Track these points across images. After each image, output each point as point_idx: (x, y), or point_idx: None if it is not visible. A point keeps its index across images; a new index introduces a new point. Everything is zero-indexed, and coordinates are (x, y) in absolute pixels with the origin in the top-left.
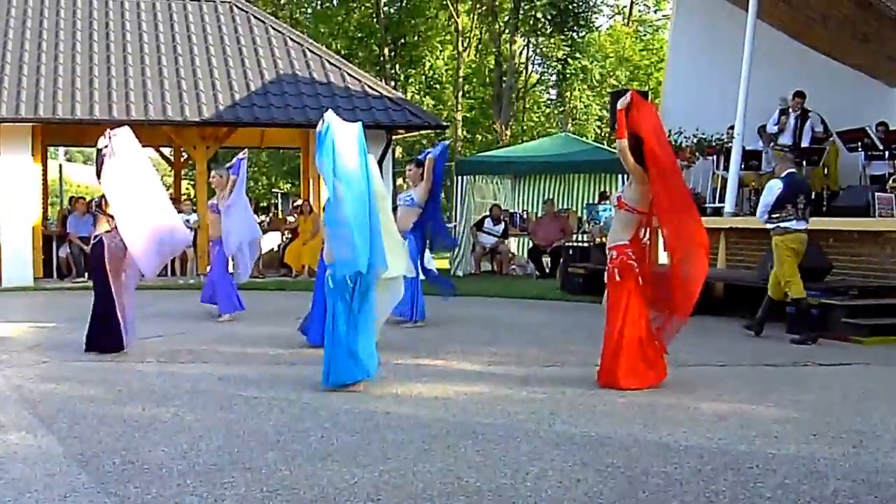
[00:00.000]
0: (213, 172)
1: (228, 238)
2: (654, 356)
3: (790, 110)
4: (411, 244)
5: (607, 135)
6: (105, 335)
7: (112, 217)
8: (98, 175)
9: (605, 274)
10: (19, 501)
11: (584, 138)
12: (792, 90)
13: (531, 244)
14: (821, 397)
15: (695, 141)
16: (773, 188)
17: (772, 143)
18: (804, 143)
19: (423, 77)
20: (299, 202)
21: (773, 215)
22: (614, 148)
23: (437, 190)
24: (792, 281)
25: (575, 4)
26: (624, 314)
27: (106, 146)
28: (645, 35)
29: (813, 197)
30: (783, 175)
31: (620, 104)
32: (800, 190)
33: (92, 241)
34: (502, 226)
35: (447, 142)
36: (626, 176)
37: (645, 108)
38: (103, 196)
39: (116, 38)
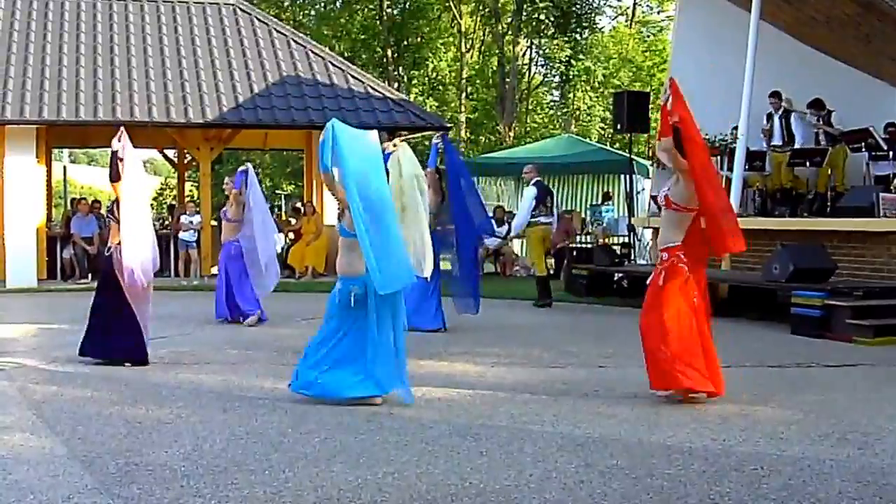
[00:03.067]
0: (227, 179)
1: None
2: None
3: (773, 113)
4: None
5: (611, 136)
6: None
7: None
8: (113, 178)
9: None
10: (23, 503)
11: (587, 139)
12: (795, 91)
13: None
14: (826, 398)
15: None
16: (530, 195)
17: (767, 146)
18: (798, 140)
19: (427, 79)
20: (298, 204)
21: (533, 212)
22: (622, 151)
23: (466, 181)
24: (537, 263)
25: (578, 6)
26: (678, 317)
27: (119, 148)
28: (648, 36)
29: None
30: (533, 182)
31: (663, 100)
32: (547, 192)
33: (106, 253)
34: (506, 227)
35: (437, 140)
36: (628, 177)
37: (682, 98)
38: (116, 202)
39: (120, 41)
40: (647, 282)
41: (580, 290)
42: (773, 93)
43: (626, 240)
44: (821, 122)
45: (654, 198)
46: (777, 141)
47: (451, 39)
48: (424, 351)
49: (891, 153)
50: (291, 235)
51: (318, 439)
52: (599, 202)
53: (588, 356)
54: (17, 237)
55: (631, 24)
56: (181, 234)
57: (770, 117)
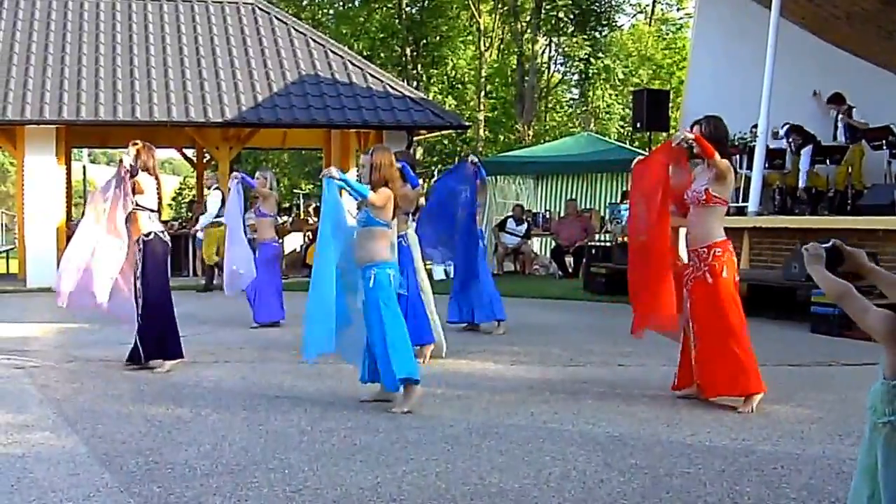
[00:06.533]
0: (258, 174)
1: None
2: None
3: (791, 142)
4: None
5: (630, 134)
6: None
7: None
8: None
9: (699, 274)
10: (43, 501)
11: (606, 138)
12: (815, 87)
13: (554, 244)
14: (846, 397)
15: None
16: (216, 198)
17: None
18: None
19: (446, 77)
20: (317, 203)
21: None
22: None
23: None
24: (208, 254)
25: (597, 4)
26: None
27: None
28: (667, 34)
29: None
30: (215, 188)
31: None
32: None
33: (166, 237)
34: (525, 226)
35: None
36: None
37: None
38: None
39: (139, 40)
40: (693, 277)
41: (599, 289)
42: (796, 128)
43: None
44: (843, 116)
45: (683, 197)
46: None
47: (469, 38)
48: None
49: None
50: (310, 234)
51: (338, 438)
52: (618, 201)
53: (607, 355)
54: (37, 237)
55: (650, 22)
56: (199, 234)
57: (789, 135)
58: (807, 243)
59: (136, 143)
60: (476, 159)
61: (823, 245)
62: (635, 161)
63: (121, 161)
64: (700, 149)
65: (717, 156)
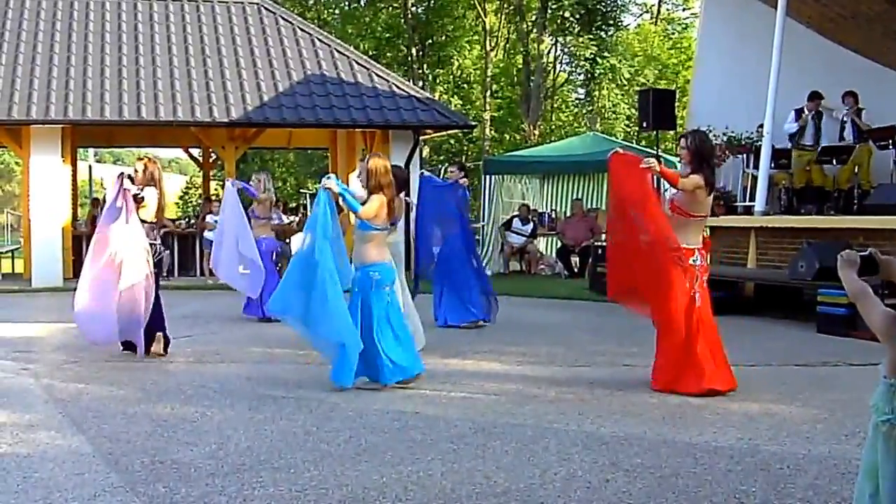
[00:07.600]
0: (253, 177)
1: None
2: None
3: (805, 110)
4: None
5: (636, 134)
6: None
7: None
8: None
9: None
10: (48, 500)
11: (612, 137)
12: (821, 88)
13: (560, 244)
14: (852, 397)
15: (724, 139)
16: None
17: (791, 144)
18: (824, 141)
19: (451, 77)
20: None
21: None
22: (643, 146)
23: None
24: None
25: (603, 3)
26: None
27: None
28: (673, 33)
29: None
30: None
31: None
32: None
33: (160, 250)
34: (531, 225)
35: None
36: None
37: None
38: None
39: (145, 40)
40: None
41: (604, 289)
42: (815, 94)
43: None
44: (850, 115)
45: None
46: (808, 140)
47: (475, 37)
48: (450, 349)
49: None
50: None
51: (343, 438)
52: None
53: (613, 355)
54: (42, 237)
55: (656, 22)
56: (206, 233)
57: (800, 114)
58: (813, 241)
59: (143, 158)
60: (465, 182)
61: (860, 253)
62: (612, 152)
63: (124, 183)
64: (665, 179)
65: (680, 182)
